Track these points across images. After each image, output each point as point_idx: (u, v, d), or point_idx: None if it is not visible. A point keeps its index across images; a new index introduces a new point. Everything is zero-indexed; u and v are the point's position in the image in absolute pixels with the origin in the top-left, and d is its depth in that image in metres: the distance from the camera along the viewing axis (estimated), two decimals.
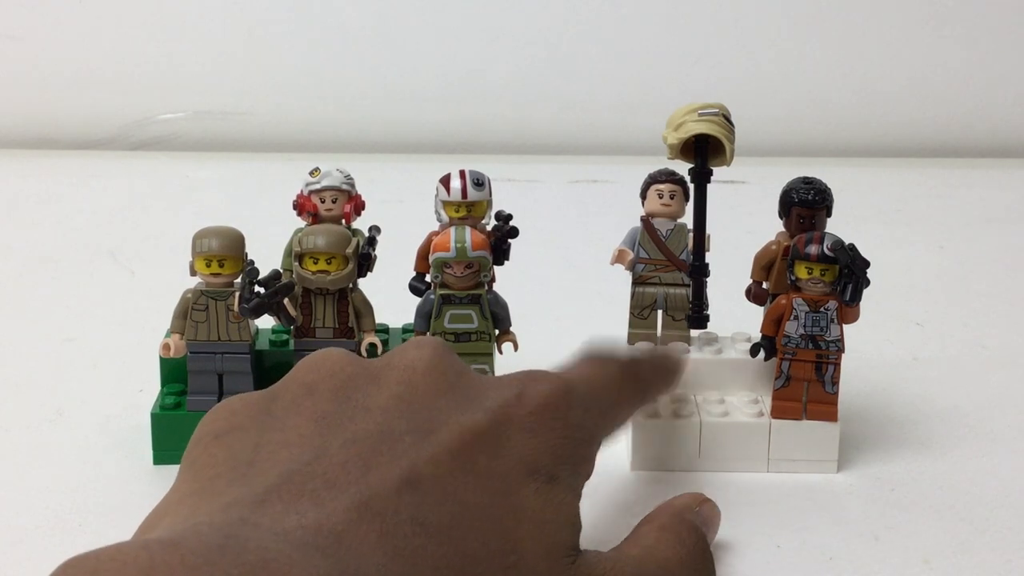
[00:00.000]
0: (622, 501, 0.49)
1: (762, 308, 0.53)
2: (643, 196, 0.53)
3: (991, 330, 0.69)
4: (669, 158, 0.51)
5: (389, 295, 0.54)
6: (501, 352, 0.52)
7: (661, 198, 0.52)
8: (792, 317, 0.50)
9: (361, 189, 0.54)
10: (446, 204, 0.51)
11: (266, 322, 0.52)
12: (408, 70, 1.12)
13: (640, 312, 0.53)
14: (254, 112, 1.12)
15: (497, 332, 0.51)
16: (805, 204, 0.51)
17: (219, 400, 0.50)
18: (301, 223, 0.53)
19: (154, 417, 0.51)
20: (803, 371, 0.50)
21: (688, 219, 0.52)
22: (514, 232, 0.52)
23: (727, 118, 0.50)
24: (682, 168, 0.52)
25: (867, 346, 0.62)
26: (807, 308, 0.49)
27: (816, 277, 0.49)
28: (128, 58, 1.12)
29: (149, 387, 0.55)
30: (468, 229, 0.50)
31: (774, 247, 0.52)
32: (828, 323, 0.49)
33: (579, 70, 1.13)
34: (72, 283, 0.75)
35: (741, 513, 0.47)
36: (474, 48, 1.12)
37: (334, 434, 0.32)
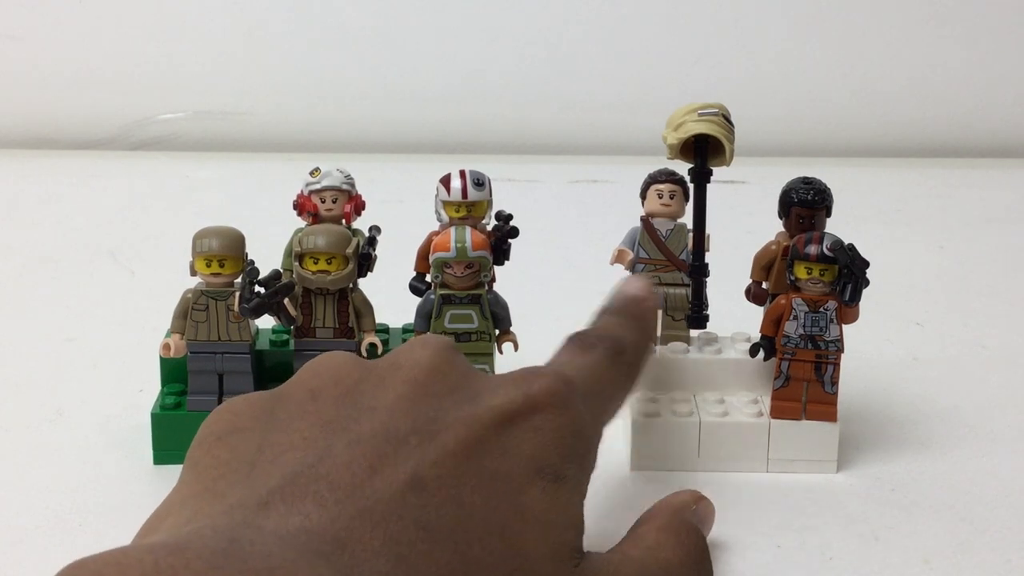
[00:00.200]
0: (622, 501, 0.49)
1: (762, 308, 0.53)
2: (643, 196, 0.53)
3: (991, 330, 0.69)
4: (669, 158, 0.52)
5: (389, 295, 0.54)
6: (501, 352, 0.52)
7: (661, 198, 0.52)
8: (791, 317, 0.50)
9: (361, 189, 0.54)
10: (446, 204, 0.51)
11: (266, 322, 0.52)
12: (408, 70, 1.12)
13: None
14: (254, 112, 1.12)
15: (497, 332, 0.51)
16: (805, 204, 0.51)
17: (219, 400, 0.50)
18: (301, 223, 0.53)
19: (154, 417, 0.51)
20: (802, 371, 0.50)
21: (688, 219, 0.52)
22: (514, 232, 0.52)
23: (727, 118, 0.50)
24: (682, 168, 0.52)
25: (867, 346, 0.62)
26: (806, 308, 0.49)
27: (815, 277, 0.49)
28: (128, 58, 1.12)
29: (149, 387, 0.55)
30: (468, 229, 0.50)
31: (774, 247, 0.52)
32: (827, 323, 0.49)
33: (579, 70, 1.13)
34: (72, 283, 0.75)
35: (741, 513, 0.47)
36: (474, 48, 1.12)
37: (338, 436, 0.32)
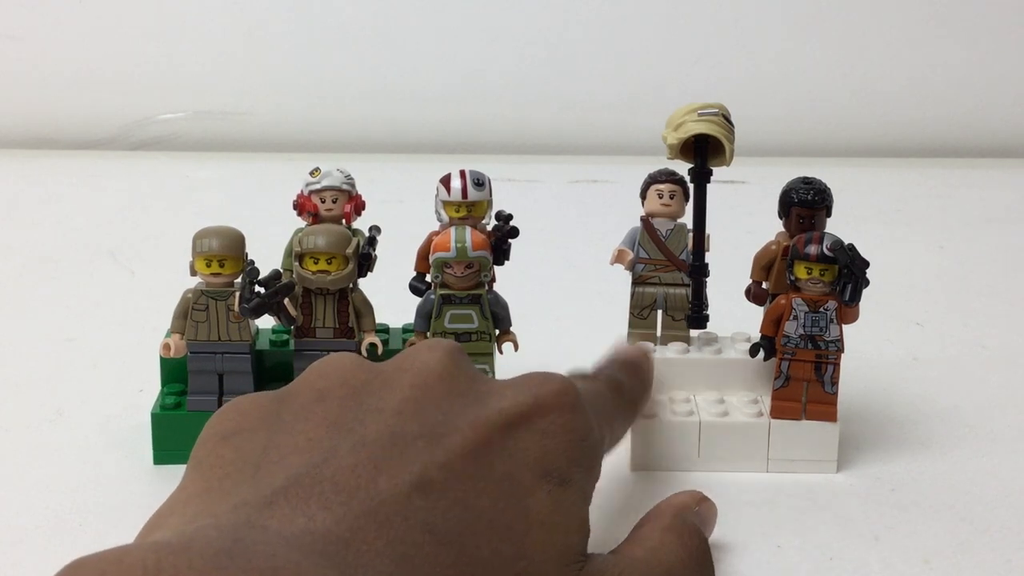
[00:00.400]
0: (621, 501, 0.49)
1: (762, 308, 0.53)
2: (643, 196, 0.53)
3: (991, 330, 0.69)
4: (669, 158, 0.52)
5: (389, 295, 0.54)
6: (501, 352, 0.52)
7: (661, 198, 0.52)
8: (791, 317, 0.50)
9: (361, 189, 0.54)
10: (446, 204, 0.51)
11: (266, 322, 0.52)
12: (408, 70, 1.12)
13: (640, 312, 0.53)
14: (254, 112, 1.12)
15: (497, 332, 0.51)
16: (805, 204, 0.51)
17: (219, 400, 0.50)
18: (301, 223, 0.53)
19: (154, 417, 0.51)
20: (802, 371, 0.50)
21: (688, 219, 0.52)
22: (514, 232, 0.52)
23: (727, 118, 0.50)
24: (682, 168, 0.52)
25: (867, 346, 0.62)
26: (806, 308, 0.49)
27: (815, 277, 0.49)
28: (128, 58, 1.12)
29: (149, 387, 0.55)
30: (468, 229, 0.50)
31: (774, 247, 0.52)
32: (827, 323, 0.49)
33: (579, 70, 1.13)
34: (72, 283, 0.75)
35: (741, 513, 0.47)
36: (474, 48, 1.12)
37: (344, 437, 0.32)
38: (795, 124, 1.12)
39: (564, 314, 0.69)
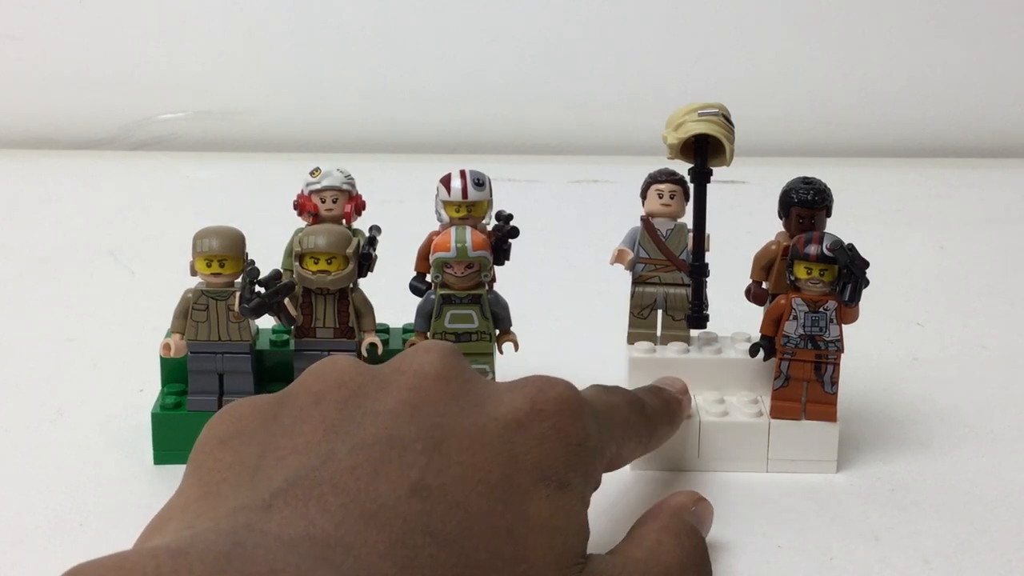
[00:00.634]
0: (621, 500, 0.49)
1: (762, 308, 0.53)
2: (643, 196, 0.53)
3: (991, 330, 0.69)
4: (669, 158, 0.52)
5: (389, 295, 0.54)
6: (501, 352, 0.52)
7: (661, 198, 0.52)
8: (791, 317, 0.50)
9: (361, 189, 0.54)
10: (446, 204, 0.51)
11: (266, 322, 0.52)
12: (408, 70, 1.12)
13: (640, 312, 0.53)
14: (254, 112, 1.12)
15: (497, 332, 0.51)
16: (804, 204, 0.51)
17: (219, 400, 0.50)
18: (301, 223, 0.53)
19: (154, 417, 0.51)
20: (802, 371, 0.50)
21: (688, 219, 0.52)
22: (514, 232, 0.52)
23: (727, 118, 0.50)
24: (682, 168, 0.52)
25: (867, 346, 0.62)
26: (806, 308, 0.49)
27: (815, 277, 0.49)
28: (128, 58, 1.12)
29: (149, 387, 0.55)
30: (468, 229, 0.50)
31: (774, 247, 0.52)
32: (827, 323, 0.49)
33: (579, 70, 1.13)
34: (72, 283, 0.75)
35: (741, 513, 0.47)
36: (474, 48, 1.12)
37: (342, 440, 0.32)
38: (795, 124, 1.12)
39: (564, 314, 0.69)
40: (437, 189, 0.51)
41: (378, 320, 0.52)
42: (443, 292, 0.50)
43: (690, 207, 0.52)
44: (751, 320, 0.52)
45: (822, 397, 0.50)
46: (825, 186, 0.51)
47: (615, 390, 0.42)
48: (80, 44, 1.12)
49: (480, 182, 0.51)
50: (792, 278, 0.49)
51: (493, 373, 0.51)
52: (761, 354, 0.51)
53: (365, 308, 0.52)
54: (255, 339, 0.52)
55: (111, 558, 0.25)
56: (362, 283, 0.52)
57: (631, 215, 0.53)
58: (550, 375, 0.37)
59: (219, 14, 1.12)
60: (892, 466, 0.52)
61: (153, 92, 1.11)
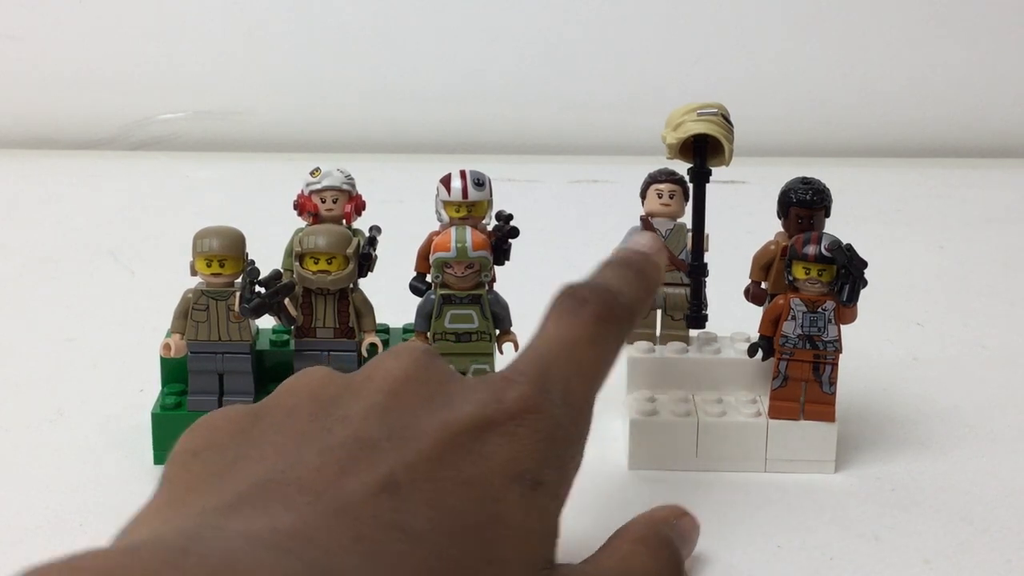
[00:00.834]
0: (619, 500, 0.49)
1: (760, 308, 0.53)
2: (643, 196, 0.53)
3: (991, 330, 0.69)
4: (668, 158, 0.52)
5: (390, 295, 0.54)
6: (502, 352, 0.52)
7: (660, 198, 0.52)
8: (790, 317, 0.50)
9: (361, 189, 0.54)
10: (447, 204, 0.51)
11: (267, 322, 0.52)
12: (408, 70, 1.12)
13: None
14: (254, 112, 1.12)
15: (498, 332, 0.52)
16: (803, 204, 0.51)
17: (219, 400, 0.50)
18: (301, 223, 0.53)
19: (155, 417, 0.51)
20: (801, 371, 0.50)
21: (687, 219, 0.52)
22: (515, 232, 0.52)
23: (726, 118, 0.50)
24: (681, 168, 0.52)
25: (867, 346, 0.62)
26: (805, 308, 0.49)
27: (814, 277, 0.49)
28: (128, 58, 1.12)
29: (149, 387, 0.55)
30: (469, 229, 0.50)
31: (773, 247, 0.52)
32: (826, 323, 0.49)
33: (579, 70, 1.13)
34: (72, 283, 0.75)
35: (741, 513, 0.47)
36: (474, 48, 1.12)
37: (310, 445, 0.32)
38: (795, 124, 1.12)
39: None
40: (437, 189, 0.51)
41: (378, 320, 0.52)
42: (443, 292, 0.50)
43: (689, 207, 0.52)
44: (750, 320, 0.52)
45: (820, 397, 0.50)
46: (824, 186, 0.51)
47: (584, 300, 0.38)
48: (80, 44, 1.12)
49: (480, 182, 0.51)
50: (790, 278, 0.49)
51: (493, 372, 0.51)
52: (760, 354, 0.51)
53: (365, 308, 0.52)
54: (255, 339, 0.52)
55: (65, 558, 0.25)
56: (362, 283, 0.52)
57: (631, 215, 0.53)
58: (519, 366, 0.35)
59: (219, 14, 1.12)
60: (892, 466, 0.52)
61: (153, 92, 1.11)
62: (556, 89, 1.12)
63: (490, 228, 0.52)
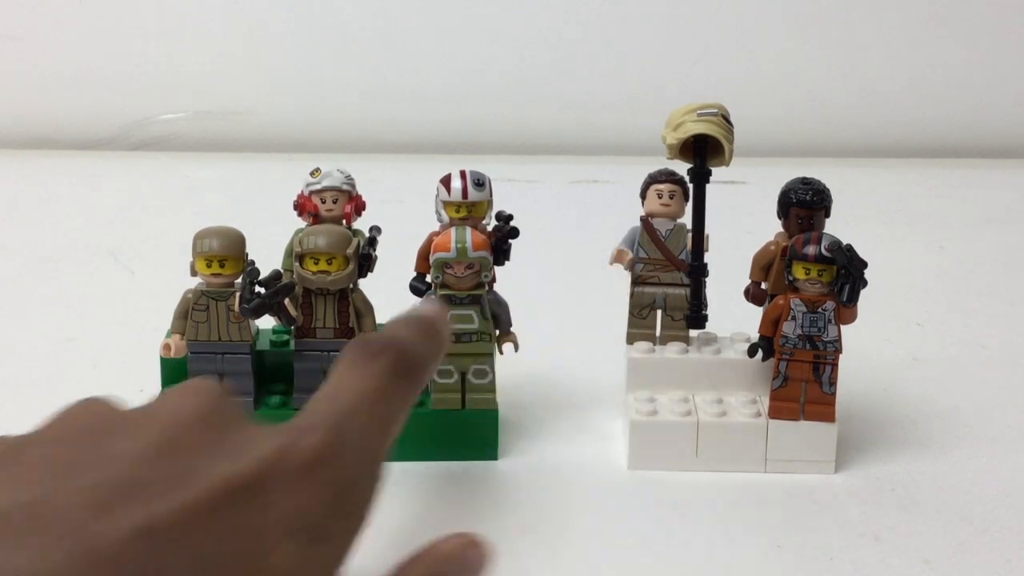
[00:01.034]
0: (619, 500, 0.49)
1: (761, 308, 0.53)
2: (643, 196, 0.53)
3: (991, 330, 0.69)
4: (668, 158, 0.52)
5: (390, 295, 0.54)
6: (502, 352, 0.52)
7: (660, 198, 0.52)
8: (790, 317, 0.50)
9: (361, 189, 0.54)
10: (447, 204, 0.51)
11: (267, 322, 0.52)
12: (408, 70, 1.12)
13: (639, 312, 0.53)
14: (254, 112, 1.12)
15: (498, 332, 0.51)
16: (803, 205, 0.51)
17: None
18: (301, 223, 0.53)
19: None
20: (801, 371, 0.50)
21: (687, 219, 0.52)
22: (514, 232, 0.52)
23: (726, 118, 0.50)
24: (682, 168, 0.52)
25: (867, 346, 0.62)
26: (805, 308, 0.49)
27: (814, 278, 0.49)
28: (128, 58, 1.12)
29: (149, 387, 0.55)
30: (469, 229, 0.50)
31: (773, 247, 0.52)
32: (825, 323, 0.49)
33: (579, 70, 1.13)
34: (72, 283, 0.75)
35: (741, 513, 0.47)
36: (474, 48, 1.12)
37: (70, 480, 0.30)
38: (795, 124, 1.12)
39: (564, 314, 0.69)
40: (437, 189, 0.51)
41: (378, 320, 0.52)
42: (443, 292, 0.50)
43: (689, 207, 0.52)
44: (750, 320, 0.52)
45: (820, 397, 0.50)
46: (824, 186, 0.51)
47: (376, 352, 0.37)
48: (80, 44, 1.12)
49: (480, 182, 0.51)
50: (791, 278, 0.49)
51: (493, 373, 0.51)
52: (760, 354, 0.51)
53: (365, 308, 0.52)
54: (255, 339, 0.52)
55: None
56: (362, 283, 0.52)
57: (631, 215, 0.53)
58: (314, 414, 0.34)
59: (219, 14, 1.12)
60: (892, 466, 0.52)
61: (153, 92, 1.12)
62: (556, 89, 1.13)
63: (490, 228, 0.52)
